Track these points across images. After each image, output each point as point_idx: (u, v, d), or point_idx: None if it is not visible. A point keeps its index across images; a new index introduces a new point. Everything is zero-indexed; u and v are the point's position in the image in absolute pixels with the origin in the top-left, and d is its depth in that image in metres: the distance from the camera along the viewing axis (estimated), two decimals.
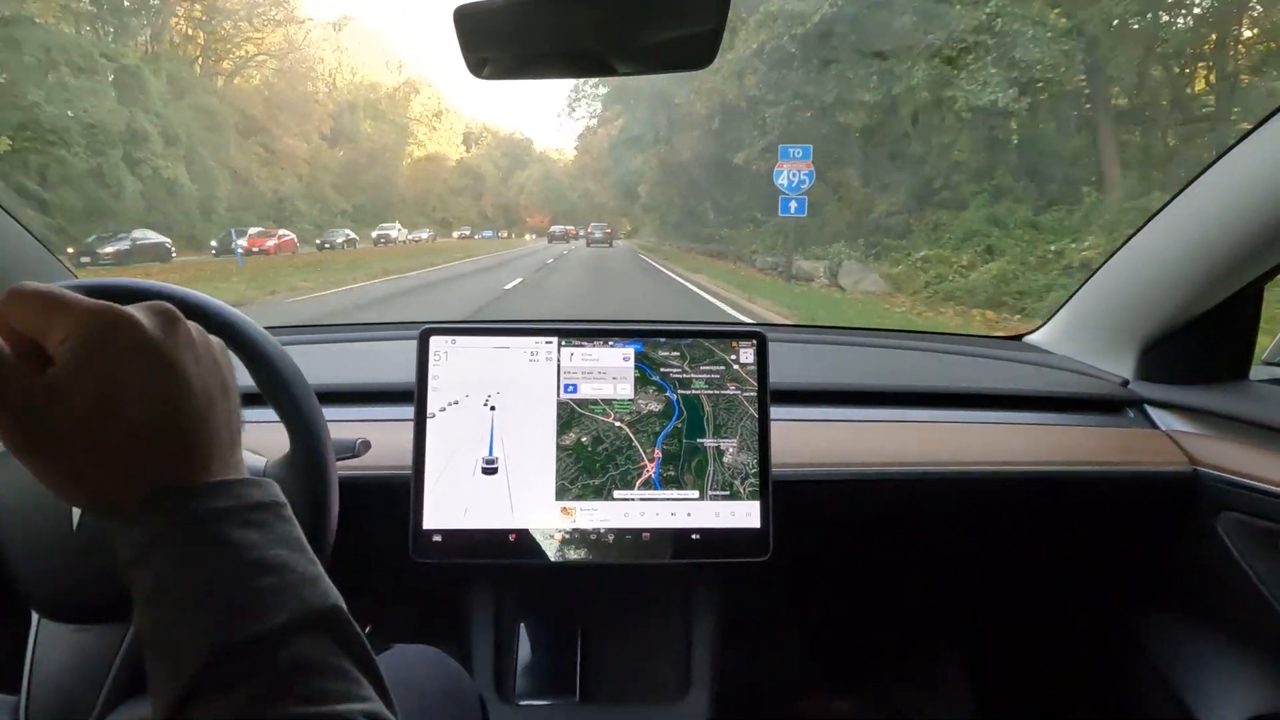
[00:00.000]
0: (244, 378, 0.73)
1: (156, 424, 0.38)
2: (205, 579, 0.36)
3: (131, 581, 0.37)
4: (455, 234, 41.45)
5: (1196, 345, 1.12)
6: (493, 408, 0.92)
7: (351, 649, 0.38)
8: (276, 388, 0.72)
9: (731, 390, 0.94)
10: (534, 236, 53.11)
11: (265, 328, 0.74)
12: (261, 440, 0.84)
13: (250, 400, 1.00)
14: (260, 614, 0.35)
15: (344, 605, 0.39)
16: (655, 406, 0.94)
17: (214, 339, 0.45)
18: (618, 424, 0.93)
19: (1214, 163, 0.99)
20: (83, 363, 0.36)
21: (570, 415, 0.93)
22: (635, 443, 0.93)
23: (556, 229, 41.25)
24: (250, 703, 0.33)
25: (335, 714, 0.34)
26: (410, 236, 35.65)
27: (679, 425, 0.93)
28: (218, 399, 0.41)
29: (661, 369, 0.94)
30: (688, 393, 0.94)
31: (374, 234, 30.93)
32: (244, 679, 0.34)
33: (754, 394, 0.94)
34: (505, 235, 49.37)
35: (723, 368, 0.95)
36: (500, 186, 60.20)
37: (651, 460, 0.93)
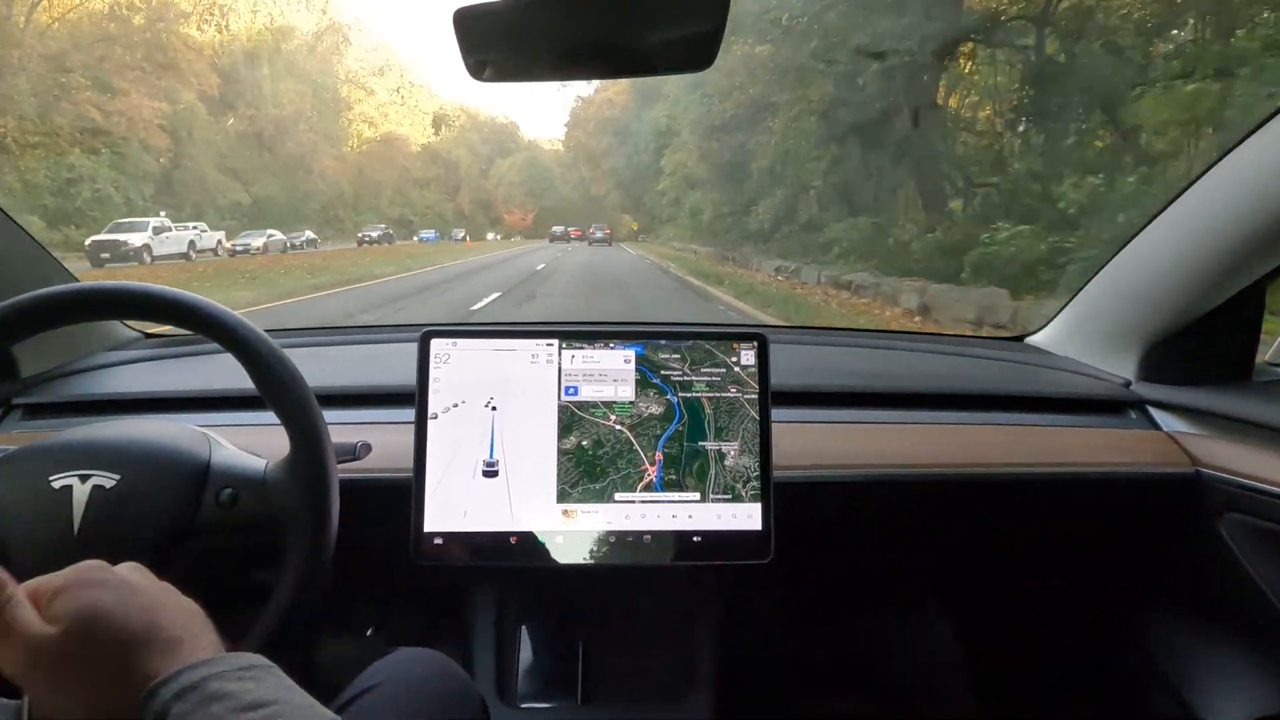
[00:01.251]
0: (244, 380, 0.73)
1: (119, 663, 0.46)
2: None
3: None
4: (361, 235, 31.06)
5: (1199, 346, 1.11)
6: (494, 409, 0.92)
7: None
8: (276, 390, 0.72)
9: (733, 393, 0.94)
10: (507, 239, 45.19)
11: (265, 330, 0.74)
12: (262, 443, 0.84)
13: (250, 403, 1.01)
14: None
15: None
16: (656, 409, 0.93)
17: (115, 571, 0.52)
18: (618, 427, 0.93)
19: (1216, 162, 0.99)
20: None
21: (570, 418, 0.93)
22: (636, 446, 0.93)
23: (558, 229, 39.26)
24: None
25: None
26: (293, 240, 24.62)
27: (680, 428, 0.93)
28: (147, 615, 0.48)
29: (662, 371, 0.94)
30: (688, 395, 0.94)
31: (232, 243, 20.80)
32: None
33: (755, 396, 0.94)
34: (462, 238, 39.60)
35: (723, 370, 0.94)
36: (479, 179, 51.05)
37: (653, 464, 0.92)
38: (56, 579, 0.49)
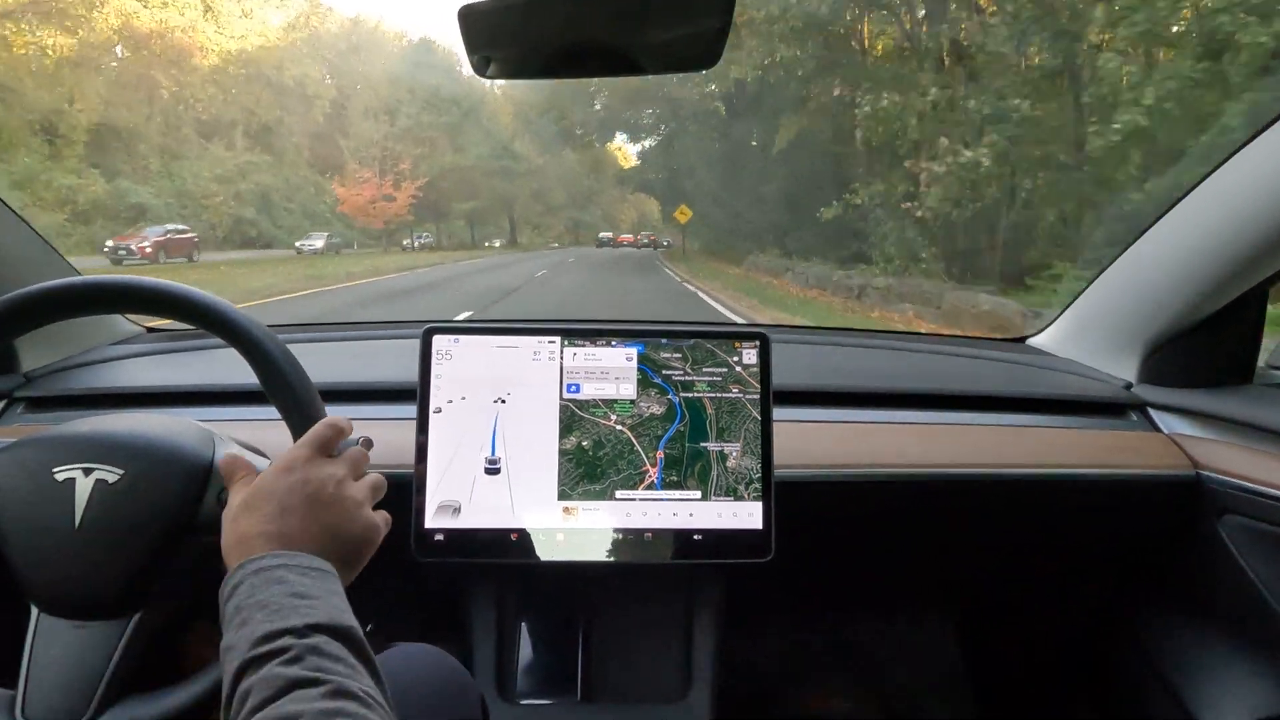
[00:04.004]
0: (245, 375, 0.73)
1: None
2: (266, 595, 0.53)
3: (222, 607, 0.54)
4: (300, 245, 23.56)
5: (1200, 349, 1.11)
6: (499, 402, 0.92)
7: (357, 653, 0.51)
8: (280, 387, 0.72)
9: (734, 393, 0.94)
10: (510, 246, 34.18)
11: (269, 326, 0.74)
12: (264, 438, 0.84)
13: (252, 398, 1.01)
14: (293, 617, 0.51)
15: (359, 629, 0.54)
16: (657, 409, 0.93)
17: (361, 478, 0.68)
18: (619, 427, 0.93)
19: (1219, 166, 0.99)
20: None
21: (570, 418, 0.93)
22: (637, 447, 0.92)
23: (605, 235, 36.35)
24: (276, 668, 0.47)
25: (336, 685, 0.47)
26: None
27: (681, 429, 0.93)
28: (307, 516, 0.61)
29: (663, 371, 0.94)
30: (690, 395, 0.94)
31: None
32: (275, 655, 0.48)
33: (756, 396, 0.94)
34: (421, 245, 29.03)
35: (725, 369, 0.94)
36: (360, 122, 32.74)
37: (654, 465, 0.92)
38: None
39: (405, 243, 33.71)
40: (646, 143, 32.23)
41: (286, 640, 0.49)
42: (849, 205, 12.94)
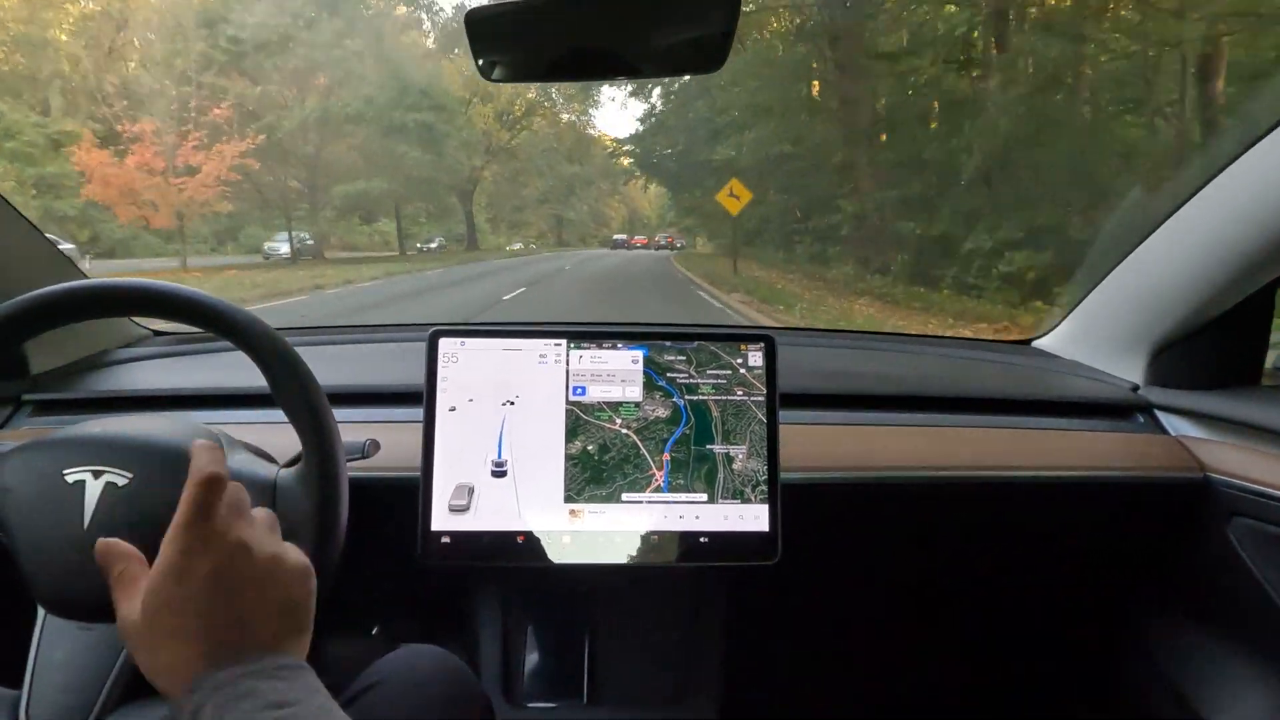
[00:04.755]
0: (252, 378, 0.74)
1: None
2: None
3: None
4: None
5: (1207, 350, 1.11)
6: (506, 404, 0.92)
7: None
8: (289, 394, 0.72)
9: (740, 395, 0.94)
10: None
11: (277, 329, 0.74)
12: (271, 441, 0.84)
13: (259, 400, 1.01)
14: None
15: None
16: (663, 412, 0.93)
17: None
18: (624, 431, 0.93)
19: (1226, 165, 0.98)
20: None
21: (575, 422, 0.93)
22: (643, 450, 0.92)
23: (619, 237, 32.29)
24: None
25: None
26: None
27: (687, 432, 0.93)
28: (246, 590, 0.50)
29: (668, 374, 0.94)
30: (695, 398, 0.94)
31: None
32: None
33: (762, 399, 0.94)
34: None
35: (729, 372, 0.94)
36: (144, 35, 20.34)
37: (660, 468, 0.92)
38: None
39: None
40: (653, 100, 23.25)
41: None
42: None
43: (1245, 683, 1.04)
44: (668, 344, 0.95)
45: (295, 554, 0.54)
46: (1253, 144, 0.94)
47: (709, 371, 0.94)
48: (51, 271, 1.15)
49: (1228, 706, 1.04)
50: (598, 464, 0.92)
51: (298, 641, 0.51)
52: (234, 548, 0.51)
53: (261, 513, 0.56)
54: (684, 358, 0.95)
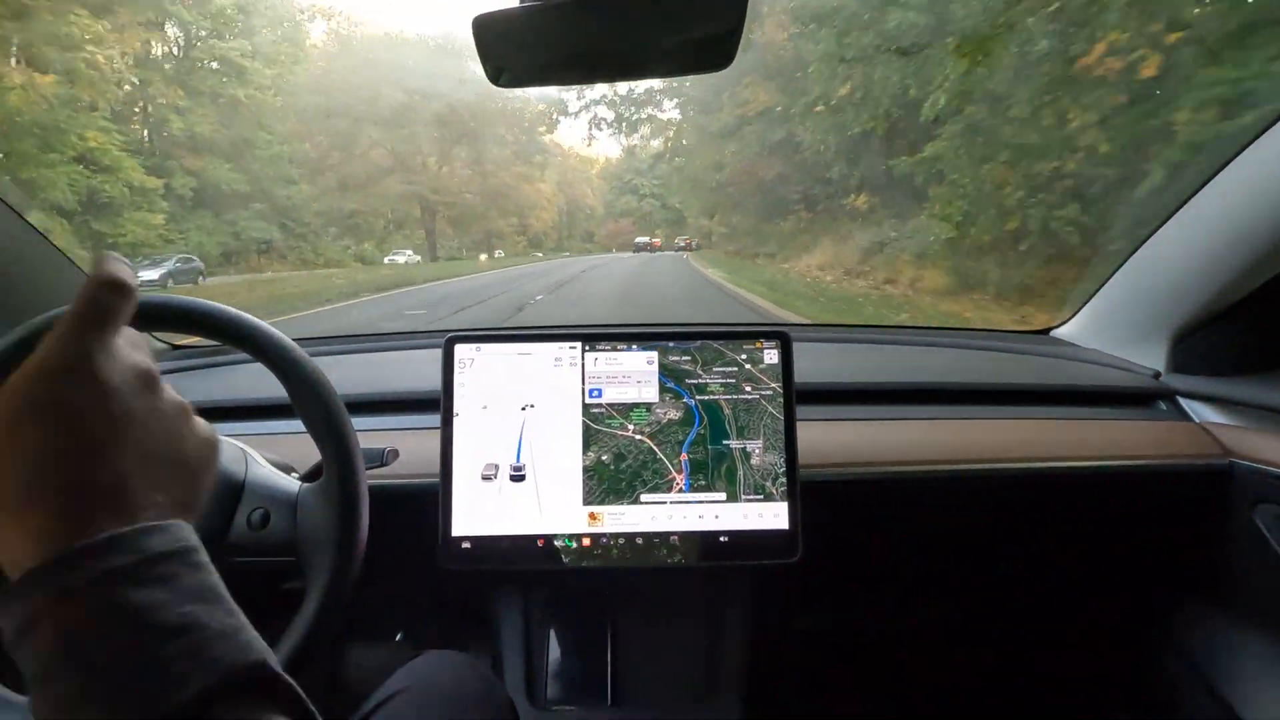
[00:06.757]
0: (271, 389, 0.74)
1: (25, 483, 0.34)
2: (104, 654, 0.31)
3: (18, 662, 0.31)
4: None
5: (1229, 335, 1.09)
6: (520, 413, 0.92)
7: (281, 706, 0.34)
8: (309, 407, 0.72)
9: (749, 391, 0.94)
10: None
11: (295, 340, 0.74)
12: (291, 452, 0.85)
13: (279, 411, 1.02)
14: (170, 685, 0.30)
15: (270, 658, 0.34)
16: (675, 414, 0.93)
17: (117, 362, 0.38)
18: (638, 437, 0.93)
19: (1243, 149, 0.97)
20: None
21: (588, 433, 0.92)
22: (660, 455, 0.92)
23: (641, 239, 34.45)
24: None
25: None
26: None
27: (701, 431, 0.93)
28: (105, 433, 0.36)
29: (677, 374, 0.94)
30: (705, 398, 0.94)
31: None
32: None
33: (771, 394, 0.94)
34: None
35: (735, 369, 0.94)
36: None
37: (680, 471, 0.92)
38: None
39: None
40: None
41: None
42: None
43: (1276, 671, 1.03)
44: (670, 345, 0.95)
45: (205, 425, 0.43)
46: (1270, 126, 0.93)
47: (715, 369, 0.94)
48: (69, 287, 1.16)
49: (1258, 696, 1.03)
50: (614, 474, 0.92)
51: (186, 517, 0.38)
52: (130, 372, 0.38)
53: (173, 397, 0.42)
54: (689, 357, 0.94)
